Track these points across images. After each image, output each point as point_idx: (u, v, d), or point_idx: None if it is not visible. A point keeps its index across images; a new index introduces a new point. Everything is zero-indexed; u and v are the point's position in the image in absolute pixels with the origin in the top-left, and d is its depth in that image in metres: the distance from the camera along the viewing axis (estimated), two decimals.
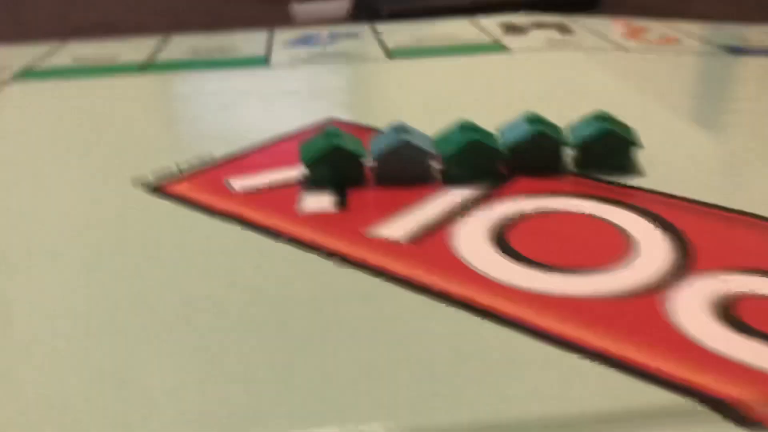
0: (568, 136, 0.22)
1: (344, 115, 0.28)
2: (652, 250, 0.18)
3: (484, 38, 0.39)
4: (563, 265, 0.17)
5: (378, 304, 0.16)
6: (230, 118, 0.28)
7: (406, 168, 0.22)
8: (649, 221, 0.19)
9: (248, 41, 0.41)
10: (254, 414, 0.13)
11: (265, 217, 0.20)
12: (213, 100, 0.30)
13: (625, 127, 0.22)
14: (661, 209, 0.20)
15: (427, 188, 0.21)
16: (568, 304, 0.15)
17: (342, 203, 0.21)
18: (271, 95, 0.31)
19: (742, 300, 0.16)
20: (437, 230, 0.19)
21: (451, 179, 0.22)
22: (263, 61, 0.36)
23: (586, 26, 0.43)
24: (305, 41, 0.40)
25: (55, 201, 0.21)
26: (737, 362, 0.14)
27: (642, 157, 0.22)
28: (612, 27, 0.43)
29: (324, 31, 0.43)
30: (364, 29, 0.43)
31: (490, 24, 0.43)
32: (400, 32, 0.42)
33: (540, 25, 0.43)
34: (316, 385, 0.13)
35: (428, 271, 0.17)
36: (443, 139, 0.22)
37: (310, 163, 0.21)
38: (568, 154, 0.22)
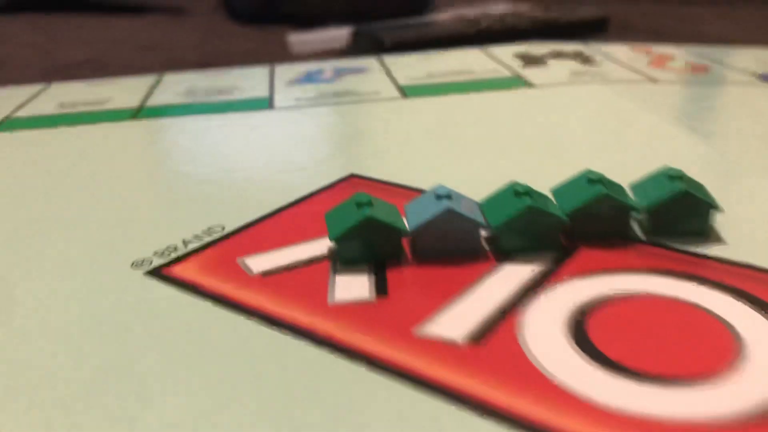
0: (635, 197, 0.19)
1: (364, 168, 0.25)
2: (764, 350, 0.15)
3: (504, 72, 0.37)
4: (661, 374, 0.14)
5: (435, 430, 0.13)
6: (238, 175, 0.25)
7: (451, 240, 0.19)
8: (750, 307, 0.16)
9: (248, 79, 0.38)
10: None
11: (289, 310, 0.17)
12: (216, 153, 0.27)
13: (699, 186, 0.19)
14: (757, 288, 0.17)
15: (477, 264, 0.18)
16: None
17: (380, 288, 0.17)
18: (280, 145, 0.28)
19: None
20: (501, 324, 0.16)
21: (504, 252, 0.19)
22: (266, 103, 0.33)
23: (605, 54, 0.40)
24: (309, 78, 0.37)
25: (32, 297, 0.18)
26: None
27: (719, 218, 0.20)
28: (633, 54, 0.41)
29: (327, 66, 0.40)
30: (370, 63, 0.40)
31: (505, 54, 0.40)
32: (410, 66, 0.39)
33: (558, 55, 0.40)
34: None
35: (496, 384, 0.14)
36: (492, 205, 0.19)
37: (340, 240, 0.18)
38: (636, 218, 0.19)
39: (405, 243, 0.19)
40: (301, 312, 0.17)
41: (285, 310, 0.17)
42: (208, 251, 0.20)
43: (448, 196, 0.19)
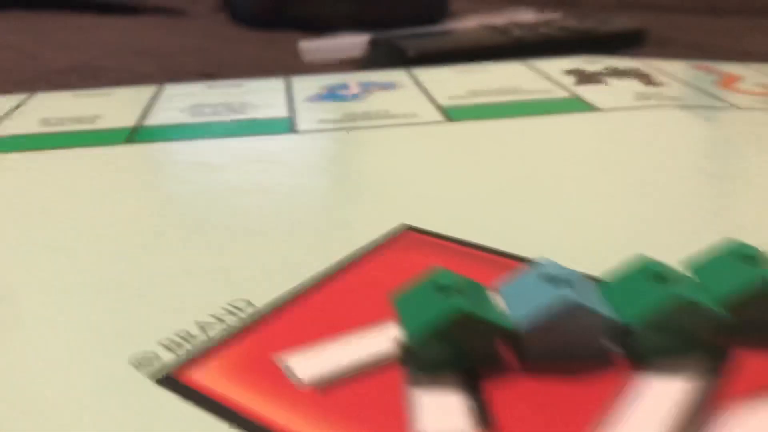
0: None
1: (417, 215, 0.20)
2: None
3: (558, 91, 0.32)
4: None
5: None
6: (261, 225, 0.20)
7: (570, 341, 0.14)
8: None
9: (262, 94, 0.33)
10: None
11: None
12: (232, 193, 0.22)
13: None
14: None
15: (605, 374, 0.13)
16: None
17: (481, 416, 0.12)
18: (310, 182, 0.23)
19: None
20: None
21: (641, 356, 0.14)
22: (287, 125, 0.28)
23: (664, 72, 0.35)
24: (333, 94, 0.32)
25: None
26: None
27: None
28: (694, 73, 0.36)
29: (351, 80, 0.35)
30: (399, 77, 0.35)
31: (553, 70, 0.36)
32: (447, 82, 0.34)
33: (615, 72, 0.35)
34: None
35: None
36: (619, 290, 0.14)
37: (421, 342, 0.13)
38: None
39: (503, 346, 0.14)
40: None
41: None
42: (235, 342, 0.14)
43: (565, 279, 0.14)
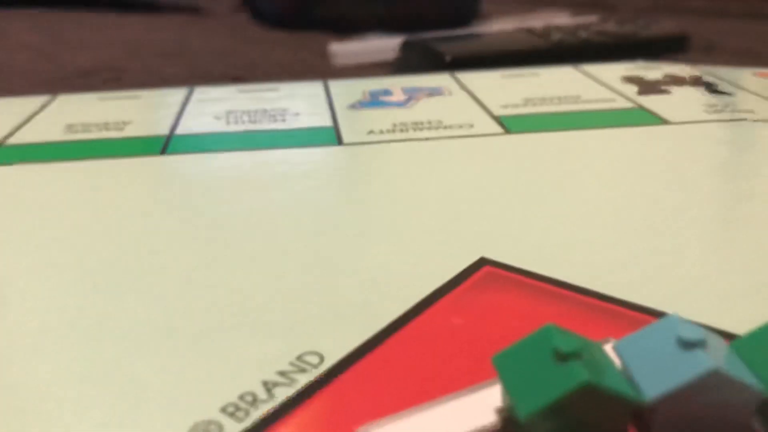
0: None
1: (493, 246, 0.18)
2: None
3: (620, 100, 0.29)
4: None
5: None
6: (322, 260, 0.17)
7: (710, 416, 0.11)
8: None
9: (300, 100, 0.31)
10: None
11: None
12: (283, 219, 0.20)
13: None
14: None
15: None
16: None
17: None
18: (367, 204, 0.20)
19: None
20: None
21: None
22: (333, 136, 0.26)
23: (728, 80, 0.33)
24: (376, 101, 0.30)
25: None
26: None
27: None
28: (760, 81, 0.34)
29: (394, 85, 0.33)
30: (444, 81, 0.33)
31: (609, 76, 0.33)
32: (496, 88, 0.32)
33: (675, 81, 0.33)
34: None
35: None
36: (758, 354, 0.12)
37: (535, 420, 0.11)
38: None
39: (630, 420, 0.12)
40: None
41: None
42: (307, 408, 0.12)
43: (702, 343, 0.12)
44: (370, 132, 0.26)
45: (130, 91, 0.33)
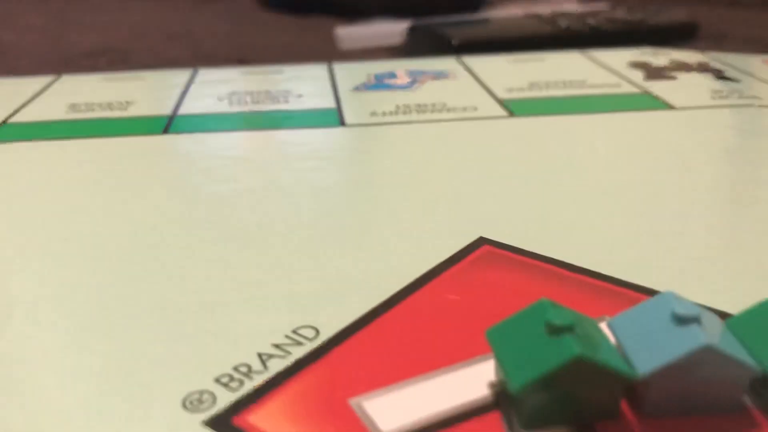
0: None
1: (492, 226, 0.18)
2: None
3: (626, 86, 0.29)
4: None
5: None
6: (322, 239, 0.17)
7: (702, 392, 0.11)
8: None
9: (303, 82, 0.30)
10: None
11: None
12: (285, 198, 0.20)
13: None
14: None
15: (747, 426, 0.11)
16: None
17: None
18: (371, 187, 0.20)
19: None
20: None
21: None
22: (335, 117, 0.26)
23: (735, 67, 0.33)
24: (381, 83, 0.30)
25: None
26: None
27: None
28: (765, 68, 0.33)
29: (398, 68, 0.33)
30: (450, 65, 0.33)
31: (615, 62, 0.33)
32: (502, 72, 0.31)
33: (683, 67, 0.33)
34: None
35: None
36: (754, 331, 0.12)
37: (527, 393, 0.11)
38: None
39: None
40: None
41: None
42: (301, 379, 0.12)
43: (693, 317, 0.12)
44: (373, 114, 0.26)
45: (135, 72, 0.33)
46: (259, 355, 0.13)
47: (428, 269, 0.16)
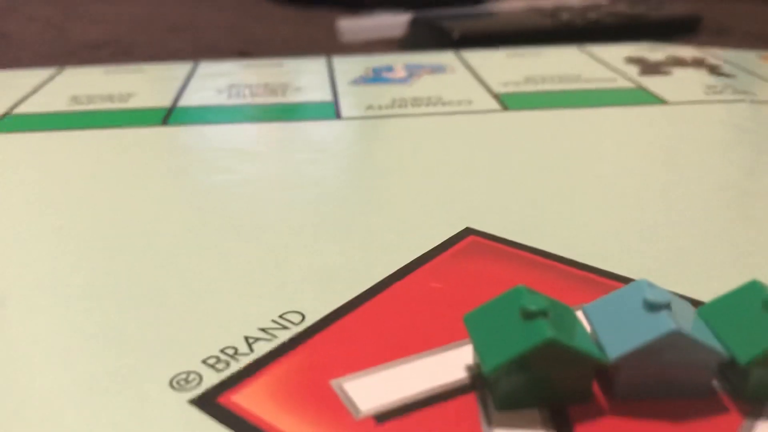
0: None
1: (479, 218, 0.18)
2: None
3: (621, 80, 0.29)
4: None
5: None
6: (312, 228, 0.18)
7: (670, 377, 0.12)
8: None
9: (302, 75, 0.31)
10: None
11: None
12: (278, 189, 0.20)
13: None
14: None
15: (710, 418, 0.12)
16: None
17: None
18: (360, 176, 0.21)
19: None
20: None
21: (754, 396, 0.12)
22: (332, 110, 0.26)
23: (732, 63, 0.33)
24: (378, 77, 0.31)
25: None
26: None
27: None
28: (763, 64, 0.33)
29: (396, 62, 0.33)
30: (447, 59, 0.33)
31: (612, 57, 0.33)
32: (499, 66, 0.32)
33: (678, 62, 0.33)
34: None
35: None
36: (725, 319, 0.12)
37: (500, 374, 0.11)
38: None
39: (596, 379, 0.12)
40: None
41: None
42: (285, 361, 0.13)
43: (664, 304, 0.12)
44: (369, 107, 0.27)
45: (137, 64, 0.33)
46: (246, 339, 0.13)
47: (414, 258, 0.16)
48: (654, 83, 0.29)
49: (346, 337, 0.13)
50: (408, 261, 0.16)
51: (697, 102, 0.27)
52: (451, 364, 0.13)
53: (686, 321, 0.12)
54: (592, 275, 0.16)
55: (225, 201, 0.19)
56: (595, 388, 0.12)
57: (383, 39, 0.46)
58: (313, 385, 0.12)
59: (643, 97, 0.27)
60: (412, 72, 0.31)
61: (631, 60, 0.33)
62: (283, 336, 0.13)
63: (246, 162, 0.22)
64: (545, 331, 0.11)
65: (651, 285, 0.13)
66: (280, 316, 0.14)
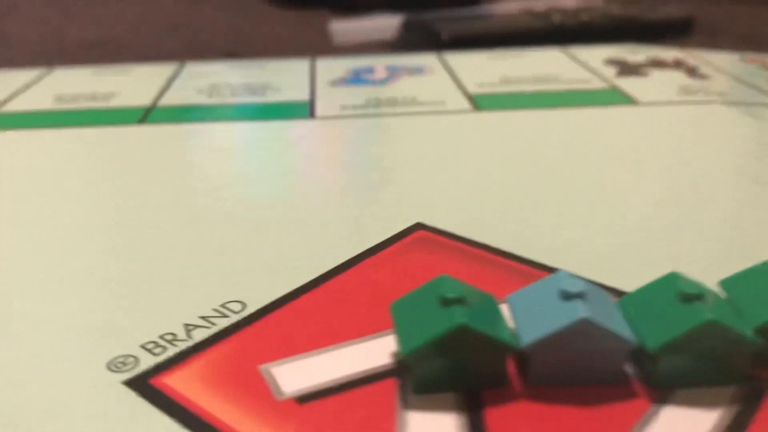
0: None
1: (431, 213, 0.18)
2: None
3: (596, 81, 0.30)
4: None
5: None
6: (268, 222, 0.18)
7: (583, 363, 0.12)
8: None
9: (284, 75, 0.32)
10: None
11: None
12: (239, 184, 0.21)
13: None
14: None
15: (621, 403, 0.12)
16: None
17: None
18: (321, 175, 0.21)
19: None
20: None
21: (660, 384, 0.12)
22: (306, 110, 0.27)
23: (711, 65, 0.33)
24: (358, 78, 0.31)
25: None
26: None
27: None
28: (744, 67, 0.34)
29: (378, 63, 0.34)
30: (429, 61, 0.34)
31: (593, 58, 0.34)
32: (478, 68, 0.32)
33: (659, 63, 0.33)
34: None
35: None
36: (643, 309, 0.13)
37: (415, 357, 0.12)
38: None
39: (510, 360, 0.13)
40: None
41: None
42: (219, 347, 0.13)
43: (580, 293, 0.12)
44: (344, 107, 0.27)
45: (125, 65, 0.34)
46: (185, 326, 0.14)
47: (362, 251, 0.17)
48: (629, 84, 0.30)
49: (283, 325, 0.14)
50: (356, 254, 0.17)
51: (668, 103, 0.27)
52: (378, 351, 0.13)
53: (601, 310, 0.12)
54: (531, 269, 0.16)
55: (187, 195, 0.20)
56: (514, 374, 0.13)
57: (375, 41, 0.47)
58: (242, 370, 0.13)
59: (614, 98, 0.28)
60: (392, 73, 0.32)
61: (611, 61, 0.33)
62: (222, 324, 0.14)
63: (211, 158, 0.22)
64: (459, 317, 0.12)
65: (569, 275, 0.13)
66: (222, 305, 0.15)
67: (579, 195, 0.20)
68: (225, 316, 0.14)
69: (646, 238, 0.17)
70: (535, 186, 0.20)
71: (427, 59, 0.34)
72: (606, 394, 0.12)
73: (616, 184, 0.20)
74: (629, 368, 0.13)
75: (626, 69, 0.32)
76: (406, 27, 0.47)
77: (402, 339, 0.12)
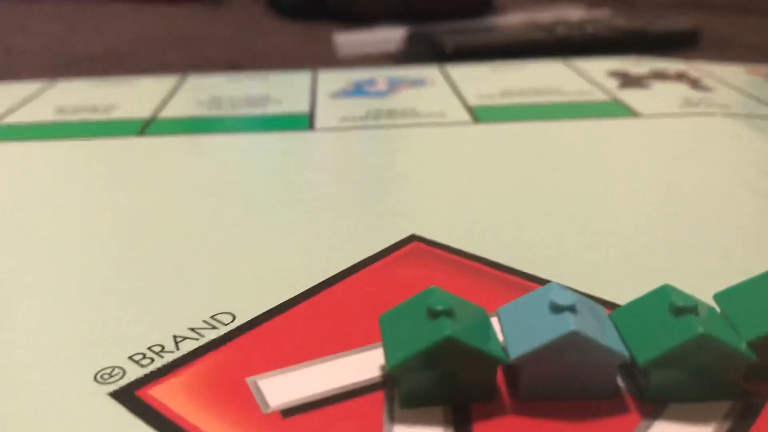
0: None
1: (428, 225, 0.18)
2: None
3: (598, 93, 0.30)
4: None
5: None
6: (263, 234, 0.18)
7: (573, 377, 0.12)
8: None
9: (285, 88, 0.32)
10: None
11: None
12: (235, 197, 0.21)
13: None
14: None
15: (612, 418, 0.12)
16: None
17: None
18: (318, 187, 0.21)
19: None
20: None
21: (652, 398, 0.12)
22: (306, 122, 0.27)
23: (715, 76, 0.33)
24: (359, 90, 0.31)
25: None
26: None
27: None
28: (748, 78, 0.34)
29: (380, 75, 0.34)
30: (430, 73, 0.34)
31: (595, 70, 0.34)
32: (480, 80, 0.32)
33: (660, 75, 0.33)
34: None
35: None
36: (635, 322, 0.13)
37: (402, 370, 0.12)
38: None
39: (500, 374, 0.13)
40: None
41: None
42: (207, 360, 0.13)
43: (571, 306, 0.12)
44: (343, 119, 0.27)
45: (128, 77, 0.34)
46: (174, 337, 0.14)
47: (355, 262, 0.17)
48: (630, 96, 0.29)
49: (272, 338, 0.14)
50: (349, 265, 0.17)
51: (669, 115, 0.27)
52: (366, 364, 0.13)
53: (592, 323, 0.12)
54: (525, 281, 0.16)
55: (182, 206, 0.20)
56: (504, 388, 0.12)
57: (380, 53, 0.47)
58: (229, 383, 0.13)
59: (615, 110, 0.28)
60: (393, 85, 0.32)
61: (614, 74, 0.33)
62: (211, 336, 0.14)
63: (208, 169, 0.22)
64: (446, 329, 0.12)
65: (560, 287, 0.13)
66: (212, 317, 0.15)
67: (577, 207, 0.19)
68: (214, 327, 0.14)
69: (644, 251, 0.17)
70: (533, 198, 0.20)
71: (429, 72, 0.34)
72: (597, 409, 0.12)
73: (614, 196, 0.20)
74: (621, 382, 0.12)
75: (628, 81, 0.32)
76: (411, 39, 0.47)
77: (389, 351, 0.12)
